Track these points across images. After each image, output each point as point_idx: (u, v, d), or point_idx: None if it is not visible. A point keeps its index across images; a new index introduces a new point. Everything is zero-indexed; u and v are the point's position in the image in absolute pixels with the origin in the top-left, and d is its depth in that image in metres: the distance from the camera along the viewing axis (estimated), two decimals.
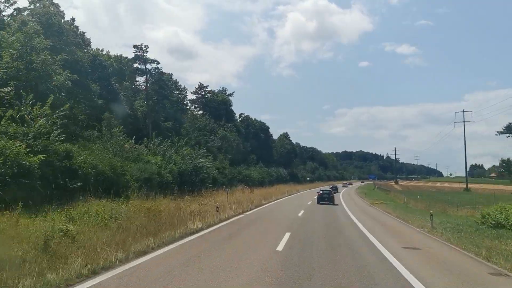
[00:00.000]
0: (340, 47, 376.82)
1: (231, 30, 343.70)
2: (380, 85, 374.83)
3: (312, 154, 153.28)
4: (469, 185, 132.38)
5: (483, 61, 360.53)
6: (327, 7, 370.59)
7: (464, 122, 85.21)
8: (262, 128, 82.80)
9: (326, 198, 38.51)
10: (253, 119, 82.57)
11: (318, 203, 38.15)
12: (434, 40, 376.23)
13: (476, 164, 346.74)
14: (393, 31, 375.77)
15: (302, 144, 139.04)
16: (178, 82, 56.08)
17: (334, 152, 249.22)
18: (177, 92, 53.81)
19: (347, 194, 64.96)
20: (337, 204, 38.45)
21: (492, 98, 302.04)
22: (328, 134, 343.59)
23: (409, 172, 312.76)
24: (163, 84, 46.64)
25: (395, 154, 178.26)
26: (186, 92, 60.25)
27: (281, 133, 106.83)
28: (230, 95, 74.11)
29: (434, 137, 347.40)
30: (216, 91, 71.35)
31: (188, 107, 62.20)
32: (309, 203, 37.89)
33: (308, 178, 79.96)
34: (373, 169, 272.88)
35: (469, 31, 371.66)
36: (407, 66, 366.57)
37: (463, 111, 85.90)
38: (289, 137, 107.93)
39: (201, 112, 65.06)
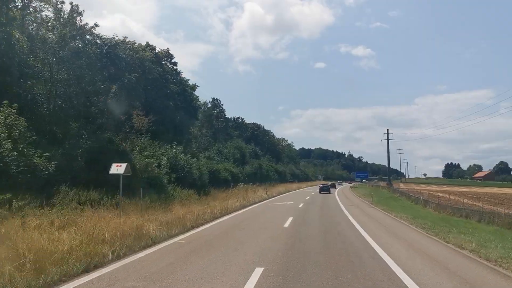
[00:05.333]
0: (297, 45, 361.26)
1: (185, 22, 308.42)
2: (334, 87, 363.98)
3: (253, 134, 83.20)
4: None
5: (434, 65, 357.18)
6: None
7: None
8: None
9: (325, 189, 54.50)
10: None
11: (320, 192, 52.52)
12: (388, 42, 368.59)
13: (451, 163, 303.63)
14: (349, 32, 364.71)
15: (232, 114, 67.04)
16: None
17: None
18: None
19: None
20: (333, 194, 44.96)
21: (442, 102, 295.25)
22: (283, 135, 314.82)
23: (374, 172, 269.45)
24: None
25: (388, 140, 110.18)
26: None
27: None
28: None
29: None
30: None
31: None
32: None
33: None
34: (335, 168, 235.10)
35: (421, 34, 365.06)
36: (362, 68, 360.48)
37: None
38: (173, 59, 36.46)
39: None
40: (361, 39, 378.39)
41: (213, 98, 63.81)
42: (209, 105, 63.36)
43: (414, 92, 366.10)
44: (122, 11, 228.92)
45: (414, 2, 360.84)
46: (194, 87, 44.63)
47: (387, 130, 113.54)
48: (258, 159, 64.21)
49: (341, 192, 64.12)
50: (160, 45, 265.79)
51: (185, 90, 42.33)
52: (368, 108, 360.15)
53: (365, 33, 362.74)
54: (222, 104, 64.35)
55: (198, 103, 44.00)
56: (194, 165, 28.23)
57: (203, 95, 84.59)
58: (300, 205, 28.82)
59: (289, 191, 54.02)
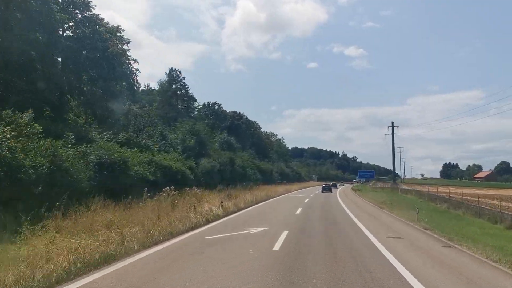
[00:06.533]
0: (290, 44, 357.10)
1: (177, 20, 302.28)
2: (327, 86, 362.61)
3: (233, 124, 67.53)
4: None
5: (427, 64, 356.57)
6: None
7: None
8: None
9: (327, 188, 63.24)
10: None
11: (322, 192, 59.53)
12: (380, 42, 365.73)
13: (450, 163, 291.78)
14: (342, 32, 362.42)
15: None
16: None
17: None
18: None
19: None
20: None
21: (435, 102, 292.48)
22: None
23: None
24: None
25: (393, 134, 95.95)
26: None
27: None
28: None
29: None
30: None
31: None
32: None
33: None
34: (329, 168, 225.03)
35: (413, 34, 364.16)
36: (354, 68, 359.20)
37: None
38: None
39: None
40: (354, 39, 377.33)
41: (170, 69, 46.59)
42: (166, 79, 46.27)
43: (407, 92, 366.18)
44: (113, 9, 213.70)
45: (406, 2, 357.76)
46: (116, 31, 27.45)
47: (392, 123, 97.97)
48: (233, 151, 47.21)
49: (345, 196, 47.46)
50: (154, 44, 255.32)
51: (97, 32, 25.25)
52: (361, 108, 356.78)
53: (358, 33, 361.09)
54: (183, 78, 47.21)
55: (130, 58, 27.11)
56: (29, 151, 11.29)
57: (195, 94, 68.18)
58: (277, 245, 11.88)
59: (271, 198, 37.10)
